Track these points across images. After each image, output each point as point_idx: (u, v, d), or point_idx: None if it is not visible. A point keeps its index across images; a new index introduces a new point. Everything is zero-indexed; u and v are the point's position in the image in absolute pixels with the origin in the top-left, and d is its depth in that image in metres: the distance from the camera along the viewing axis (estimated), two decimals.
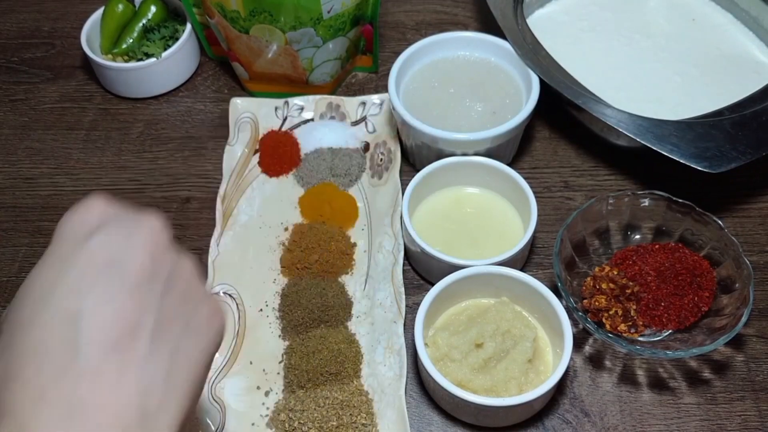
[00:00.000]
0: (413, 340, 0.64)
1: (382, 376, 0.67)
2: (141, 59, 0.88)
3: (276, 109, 0.85)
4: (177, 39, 0.89)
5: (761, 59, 0.87)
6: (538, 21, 0.91)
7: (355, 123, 0.85)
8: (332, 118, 0.85)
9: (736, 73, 0.86)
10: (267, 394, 0.67)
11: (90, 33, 0.89)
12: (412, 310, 0.71)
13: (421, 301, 0.65)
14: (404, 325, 0.68)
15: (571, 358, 0.63)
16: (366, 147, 0.83)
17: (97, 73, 0.90)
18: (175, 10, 0.92)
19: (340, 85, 0.91)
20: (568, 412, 0.66)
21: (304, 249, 0.74)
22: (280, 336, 0.71)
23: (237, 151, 0.83)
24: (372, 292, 0.73)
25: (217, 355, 0.68)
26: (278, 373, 0.69)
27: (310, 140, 0.83)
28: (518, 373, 0.62)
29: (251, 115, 0.85)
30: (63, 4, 1.02)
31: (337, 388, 0.66)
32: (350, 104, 0.85)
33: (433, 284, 0.67)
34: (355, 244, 0.76)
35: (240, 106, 0.85)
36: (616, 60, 0.87)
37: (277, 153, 0.82)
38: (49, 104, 0.91)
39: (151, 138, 0.87)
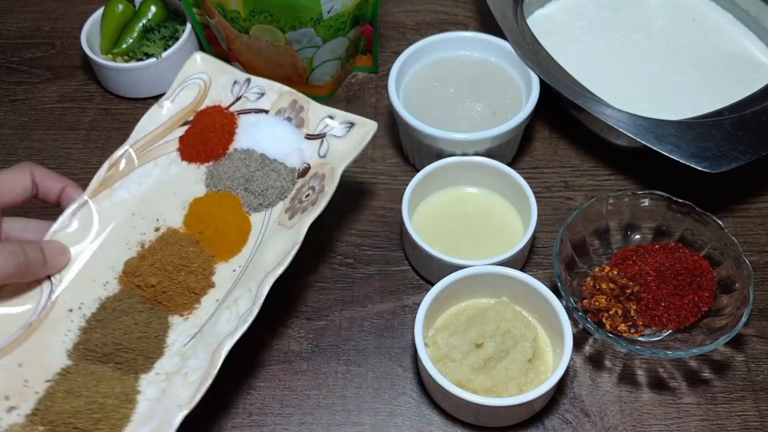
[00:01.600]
0: (413, 340, 0.64)
1: None
2: (141, 59, 0.88)
3: (235, 83, 0.72)
4: (177, 39, 0.89)
5: (761, 59, 0.87)
6: (538, 21, 0.91)
7: (311, 137, 0.70)
8: (289, 119, 0.72)
9: (736, 73, 0.86)
10: (10, 410, 0.56)
11: (90, 33, 0.89)
12: (412, 310, 0.71)
13: (421, 301, 0.65)
14: (186, 415, 0.54)
15: (571, 358, 0.63)
16: (304, 171, 0.69)
17: (97, 73, 0.90)
18: (175, 10, 0.92)
19: (340, 85, 0.91)
20: (568, 412, 0.66)
21: (151, 264, 0.62)
22: (67, 351, 0.59)
23: (164, 114, 0.70)
24: (191, 352, 0.58)
25: None
26: (35, 392, 0.56)
27: (248, 135, 0.71)
28: (518, 373, 0.62)
29: (206, 78, 0.72)
30: (63, 4, 1.02)
31: None
32: (316, 112, 0.71)
33: (433, 284, 0.67)
34: (212, 286, 0.63)
35: (199, 64, 0.72)
36: (616, 60, 0.87)
37: (207, 135, 0.70)
38: (49, 104, 0.91)
39: None
